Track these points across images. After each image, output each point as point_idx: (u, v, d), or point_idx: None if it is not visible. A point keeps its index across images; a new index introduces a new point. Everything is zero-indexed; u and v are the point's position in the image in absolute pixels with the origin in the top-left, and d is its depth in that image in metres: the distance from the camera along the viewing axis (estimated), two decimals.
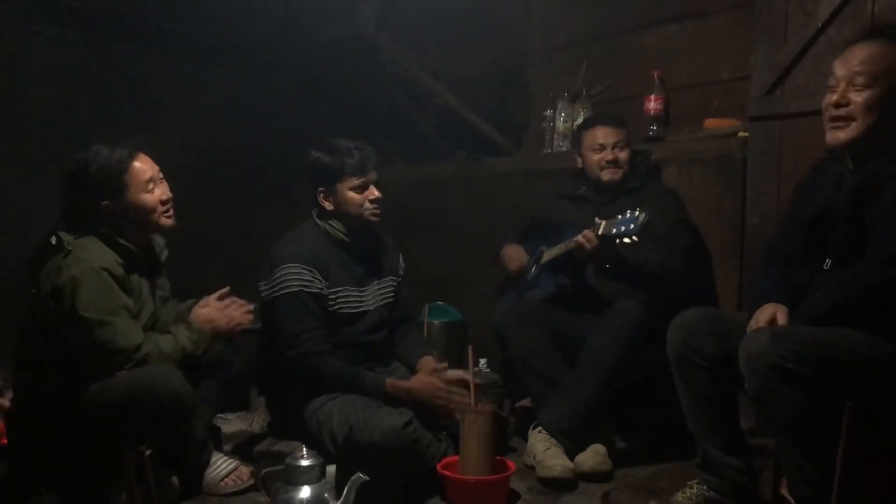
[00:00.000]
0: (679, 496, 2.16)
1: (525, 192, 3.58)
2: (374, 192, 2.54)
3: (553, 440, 2.55)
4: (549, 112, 3.73)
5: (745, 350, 1.87)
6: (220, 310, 2.42)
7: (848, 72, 1.95)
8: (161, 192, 2.33)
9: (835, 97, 1.96)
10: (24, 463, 2.25)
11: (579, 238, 2.58)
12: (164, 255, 2.49)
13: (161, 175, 2.35)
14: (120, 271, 2.21)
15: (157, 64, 3.64)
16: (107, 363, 2.14)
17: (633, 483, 2.49)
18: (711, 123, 3.15)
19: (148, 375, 2.15)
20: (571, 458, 2.53)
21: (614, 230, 2.44)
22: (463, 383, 2.55)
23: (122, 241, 2.25)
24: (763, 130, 2.80)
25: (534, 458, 2.55)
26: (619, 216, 2.45)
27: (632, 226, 2.39)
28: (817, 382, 1.77)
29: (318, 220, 2.60)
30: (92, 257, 2.17)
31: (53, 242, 2.18)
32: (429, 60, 4.29)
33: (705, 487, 2.14)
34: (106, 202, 2.23)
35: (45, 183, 3.18)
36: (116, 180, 2.24)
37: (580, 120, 3.52)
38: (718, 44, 3.24)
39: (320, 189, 2.55)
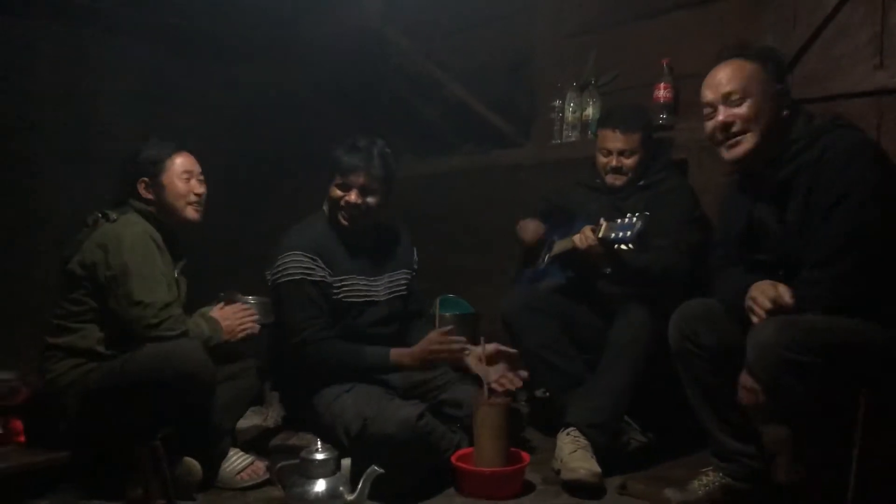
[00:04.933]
0: (695, 483, 2.16)
1: (534, 183, 3.56)
2: (351, 197, 2.53)
3: (580, 442, 2.43)
4: (557, 102, 3.70)
5: (753, 342, 1.86)
6: (233, 313, 2.54)
7: (718, 94, 2.07)
8: (195, 186, 2.52)
9: (721, 118, 2.07)
10: (44, 457, 2.28)
11: (575, 238, 2.57)
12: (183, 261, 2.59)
13: (202, 178, 2.55)
14: (159, 240, 2.38)
15: (163, 60, 3.63)
16: (136, 315, 2.25)
17: (649, 473, 2.48)
18: None
19: (171, 347, 2.25)
20: (603, 459, 2.42)
21: (613, 235, 2.42)
22: (500, 355, 2.56)
23: (156, 217, 2.43)
24: None
25: (560, 461, 2.42)
26: (619, 220, 2.42)
27: (629, 233, 2.37)
28: (825, 371, 1.77)
29: (325, 209, 2.64)
30: (136, 223, 2.38)
31: (100, 215, 2.39)
32: (435, 52, 4.27)
33: (720, 474, 2.14)
34: (145, 179, 2.46)
35: (55, 181, 3.22)
36: (158, 162, 2.48)
37: (589, 110, 3.52)
38: (727, 30, 3.19)
39: (329, 178, 2.60)
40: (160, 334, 2.25)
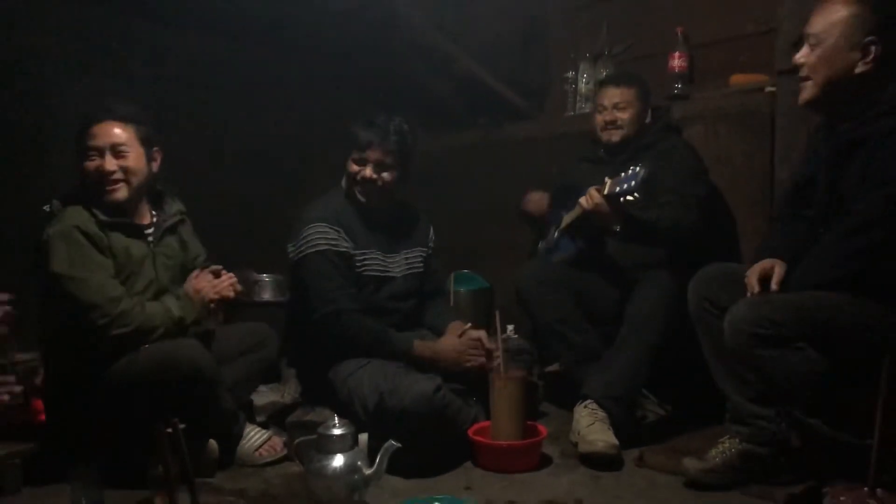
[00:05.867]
0: (713, 451, 2.16)
1: (549, 157, 3.54)
2: (366, 172, 2.54)
3: (598, 414, 2.43)
4: (570, 73, 3.67)
5: (727, 320, 1.98)
6: (208, 281, 2.39)
7: (806, 32, 2.01)
8: (105, 163, 2.25)
9: (795, 57, 2.05)
10: (63, 439, 2.29)
11: (581, 200, 2.54)
12: (172, 221, 2.46)
13: (122, 149, 2.26)
14: (93, 229, 2.21)
15: (168, 39, 3.60)
16: (85, 321, 2.14)
17: (667, 445, 2.47)
18: (738, 79, 3.07)
19: (169, 348, 2.20)
20: (621, 431, 2.41)
21: (617, 188, 2.41)
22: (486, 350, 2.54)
23: (91, 206, 2.24)
24: (791, 84, 2.69)
25: (577, 434, 2.44)
26: (622, 174, 2.41)
27: (633, 182, 2.35)
28: (807, 342, 1.87)
29: (343, 184, 2.64)
30: (68, 217, 2.20)
31: (47, 210, 2.26)
32: (446, 25, 4.21)
33: (738, 440, 2.14)
34: (78, 163, 2.28)
35: (62, 162, 3.21)
36: (78, 142, 2.27)
37: None
38: None
39: (347, 153, 2.60)
40: (116, 333, 2.15)
